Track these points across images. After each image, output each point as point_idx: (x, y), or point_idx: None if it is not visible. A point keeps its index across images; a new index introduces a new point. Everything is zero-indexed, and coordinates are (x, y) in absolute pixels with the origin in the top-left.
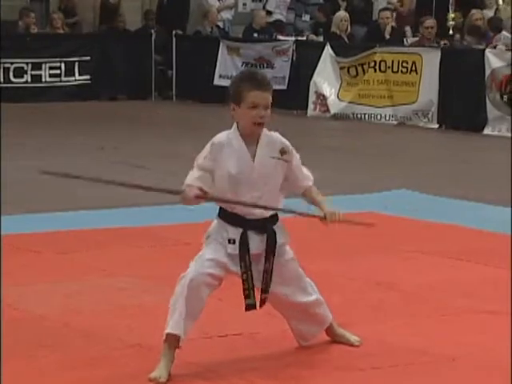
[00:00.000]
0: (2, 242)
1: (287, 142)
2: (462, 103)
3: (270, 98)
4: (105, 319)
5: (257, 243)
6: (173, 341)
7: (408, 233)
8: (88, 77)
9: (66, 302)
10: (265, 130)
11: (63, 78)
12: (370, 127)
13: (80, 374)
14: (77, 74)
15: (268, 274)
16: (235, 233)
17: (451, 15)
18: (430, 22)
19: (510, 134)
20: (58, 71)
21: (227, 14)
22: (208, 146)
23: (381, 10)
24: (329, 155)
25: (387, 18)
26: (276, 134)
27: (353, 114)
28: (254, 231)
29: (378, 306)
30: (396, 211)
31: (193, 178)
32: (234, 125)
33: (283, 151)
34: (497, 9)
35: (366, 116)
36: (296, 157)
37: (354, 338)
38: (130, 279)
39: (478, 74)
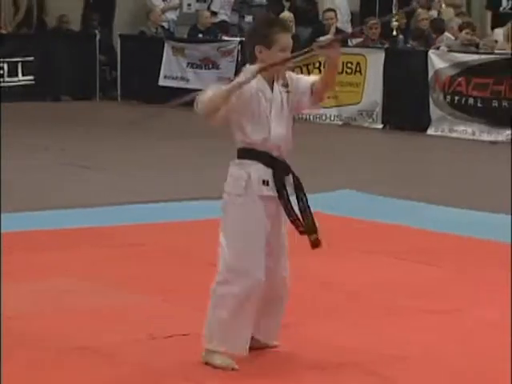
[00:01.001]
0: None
1: (289, 74)
2: (406, 104)
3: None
4: (52, 321)
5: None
6: None
7: (353, 233)
8: (31, 77)
9: (17, 305)
10: None
11: (6, 79)
12: (314, 128)
13: (24, 376)
14: (20, 74)
15: (308, 212)
16: (267, 173)
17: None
18: (374, 22)
19: (451, 135)
20: (0, 71)
21: (172, 15)
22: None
23: (325, 11)
24: None
25: (331, 18)
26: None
27: (298, 115)
28: (281, 171)
29: (324, 306)
30: (340, 211)
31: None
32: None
33: (285, 84)
34: (439, 10)
35: (311, 117)
36: (294, 79)
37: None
38: (79, 281)
39: (421, 75)
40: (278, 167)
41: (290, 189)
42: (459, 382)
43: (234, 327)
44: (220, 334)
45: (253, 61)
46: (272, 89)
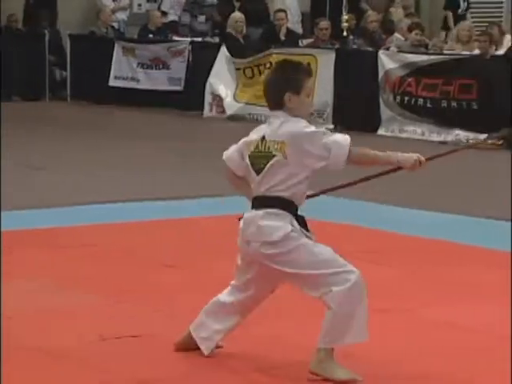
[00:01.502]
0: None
1: None
2: (357, 104)
3: None
4: (4, 321)
5: None
6: None
7: None
8: None
9: None
10: None
11: None
12: None
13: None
14: None
15: None
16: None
17: (345, 17)
18: (324, 23)
19: (401, 135)
20: None
21: (122, 15)
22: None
23: (276, 12)
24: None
25: (282, 19)
26: None
27: (249, 115)
28: None
29: (273, 305)
30: None
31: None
32: (286, 114)
33: None
34: (388, 11)
35: (263, 117)
36: None
37: None
38: (30, 281)
39: (371, 76)
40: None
41: None
42: (401, 381)
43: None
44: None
45: (280, 107)
46: None
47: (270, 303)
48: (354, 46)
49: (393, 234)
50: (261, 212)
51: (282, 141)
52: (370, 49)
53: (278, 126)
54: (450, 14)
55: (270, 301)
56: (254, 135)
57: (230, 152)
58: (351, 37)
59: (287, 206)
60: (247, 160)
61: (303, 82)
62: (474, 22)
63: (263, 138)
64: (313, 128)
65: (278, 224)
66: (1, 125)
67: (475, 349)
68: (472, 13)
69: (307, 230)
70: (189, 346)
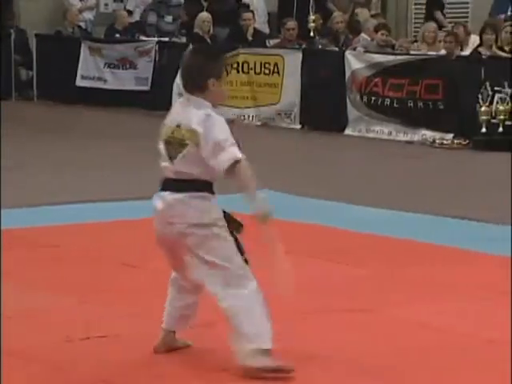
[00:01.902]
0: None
1: None
2: (324, 104)
3: None
4: None
5: None
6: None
7: None
8: None
9: None
10: None
11: None
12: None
13: None
14: None
15: None
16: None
17: (312, 17)
18: (291, 23)
19: (368, 135)
20: None
21: (89, 15)
22: (224, 123)
23: (243, 12)
24: None
25: (249, 19)
26: None
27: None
28: None
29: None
30: None
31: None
32: (206, 103)
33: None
34: (353, 11)
35: (230, 116)
36: None
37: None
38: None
39: (338, 76)
40: None
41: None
42: (368, 381)
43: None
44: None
45: (201, 92)
46: None
47: None
48: (320, 46)
49: (360, 233)
50: (187, 194)
51: (195, 131)
52: (337, 49)
53: (194, 115)
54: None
55: None
56: (169, 117)
57: None
58: (318, 37)
59: (209, 188)
60: (162, 145)
61: (223, 68)
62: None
63: (179, 125)
64: (224, 131)
65: (208, 207)
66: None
67: (441, 348)
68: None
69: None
70: (169, 348)
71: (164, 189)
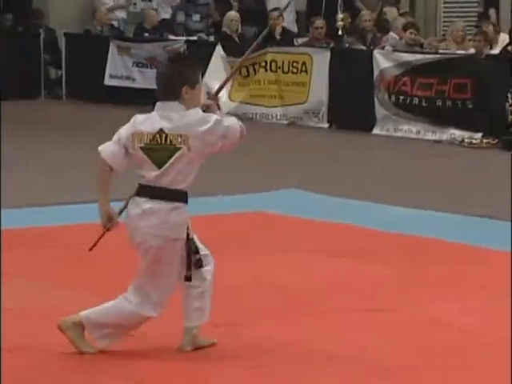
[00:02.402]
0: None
1: None
2: (352, 103)
3: None
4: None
5: None
6: None
7: (297, 232)
8: None
9: None
10: None
11: None
12: (261, 127)
13: None
14: None
15: None
16: None
17: (340, 16)
18: (319, 22)
19: (396, 134)
20: None
21: (122, 13)
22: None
23: (270, 11)
24: (220, 155)
25: (277, 18)
26: None
27: (244, 114)
28: None
29: (262, 305)
30: (285, 210)
31: None
32: (182, 106)
33: None
34: (381, 10)
35: (258, 116)
36: None
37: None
38: (19, 281)
39: (366, 75)
40: None
41: None
42: (389, 381)
43: None
44: None
45: (174, 99)
46: None
47: (259, 303)
48: (346, 45)
49: (386, 233)
50: (167, 205)
51: (185, 134)
52: (365, 48)
53: (178, 119)
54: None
55: (260, 300)
56: (141, 126)
57: (111, 149)
58: (345, 36)
59: (185, 198)
60: (140, 152)
61: (198, 76)
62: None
63: (161, 130)
64: (210, 118)
65: (183, 222)
66: (0, 124)
67: (464, 347)
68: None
69: None
70: (194, 346)
71: (145, 195)
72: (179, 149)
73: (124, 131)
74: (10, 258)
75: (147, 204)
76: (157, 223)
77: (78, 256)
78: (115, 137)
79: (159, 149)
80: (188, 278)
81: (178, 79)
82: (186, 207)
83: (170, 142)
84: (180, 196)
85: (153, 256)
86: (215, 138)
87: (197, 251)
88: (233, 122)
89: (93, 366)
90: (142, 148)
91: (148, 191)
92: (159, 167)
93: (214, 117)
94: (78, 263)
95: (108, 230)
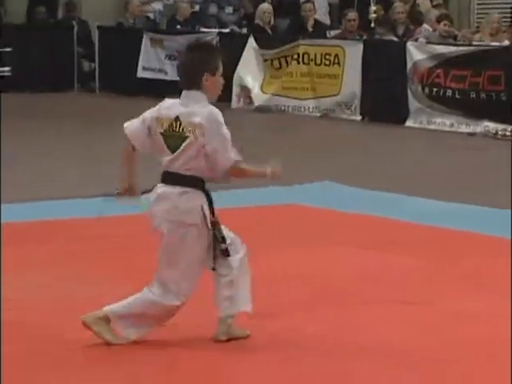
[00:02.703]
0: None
1: None
2: (385, 95)
3: None
4: (21, 314)
5: None
6: None
7: (330, 224)
8: (9, 68)
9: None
10: None
11: None
12: (293, 119)
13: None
14: None
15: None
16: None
17: (373, 8)
18: (352, 14)
19: (430, 127)
20: None
21: (158, 5)
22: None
23: (303, 3)
24: (252, 148)
25: (309, 10)
26: None
27: (276, 107)
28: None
29: (298, 297)
30: (318, 203)
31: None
32: (203, 96)
33: None
34: (415, 1)
35: (290, 108)
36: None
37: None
38: (60, 273)
39: (399, 67)
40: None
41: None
42: (417, 373)
43: None
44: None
45: (197, 88)
46: None
47: (295, 295)
48: (377, 36)
49: (420, 225)
50: (176, 190)
51: (194, 124)
52: (395, 39)
53: (193, 108)
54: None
55: (295, 293)
56: (164, 111)
57: (135, 128)
58: (377, 28)
59: (199, 184)
60: (160, 137)
61: (219, 63)
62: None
63: (177, 117)
64: (218, 120)
65: (194, 207)
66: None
67: (492, 341)
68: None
69: (213, 211)
70: (228, 336)
71: (162, 181)
72: (188, 137)
73: (149, 114)
74: (45, 251)
75: (161, 189)
76: (168, 208)
77: (114, 248)
78: (141, 116)
79: (174, 135)
80: (213, 268)
81: (198, 67)
82: (198, 193)
83: (183, 129)
84: (193, 182)
85: (166, 242)
86: (210, 139)
87: (223, 240)
88: (231, 152)
89: (121, 356)
90: (161, 134)
91: (164, 176)
92: (172, 152)
93: (221, 124)
94: (114, 255)
95: (120, 194)
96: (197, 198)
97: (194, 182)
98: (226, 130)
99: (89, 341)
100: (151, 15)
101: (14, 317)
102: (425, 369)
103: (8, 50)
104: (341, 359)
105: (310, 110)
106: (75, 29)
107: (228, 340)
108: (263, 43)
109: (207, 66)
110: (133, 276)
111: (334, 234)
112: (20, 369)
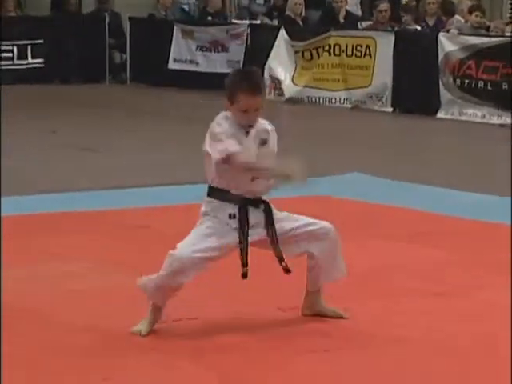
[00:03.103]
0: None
1: (269, 132)
2: (416, 87)
3: (261, 101)
4: (57, 304)
5: (255, 215)
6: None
7: (361, 216)
8: (41, 60)
9: (17, 287)
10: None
11: (16, 62)
12: (324, 111)
13: (36, 358)
14: (29, 57)
15: (274, 242)
16: (234, 208)
17: None
18: (383, 5)
19: (461, 118)
20: (10, 54)
21: None
22: (224, 121)
23: None
24: (283, 139)
25: (341, 1)
26: (263, 124)
27: (307, 98)
28: (251, 206)
29: (329, 288)
30: (349, 194)
31: (235, 145)
32: (228, 115)
33: (263, 142)
34: None
35: (321, 100)
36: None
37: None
38: (83, 264)
39: (431, 58)
40: (248, 203)
41: (259, 216)
42: (454, 365)
43: None
44: None
45: (225, 108)
46: (247, 134)
47: (324, 286)
48: (404, 25)
49: (449, 216)
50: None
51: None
52: (419, 28)
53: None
54: None
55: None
56: None
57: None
58: (404, 17)
59: (209, 191)
60: None
61: (237, 95)
62: None
63: None
64: (214, 125)
65: (203, 211)
66: (0, 110)
67: None
68: None
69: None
70: (315, 312)
71: None
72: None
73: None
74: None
75: None
76: None
77: (154, 238)
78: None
79: None
80: (287, 271)
81: (226, 88)
82: (205, 199)
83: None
84: (210, 191)
85: None
86: (207, 143)
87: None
88: (225, 145)
89: (162, 348)
90: None
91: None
92: None
93: (214, 126)
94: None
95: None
96: (203, 204)
97: (208, 190)
98: (215, 127)
99: (122, 330)
100: (186, 7)
101: (46, 304)
102: (461, 359)
103: (40, 41)
104: (377, 351)
105: (341, 101)
106: (107, 20)
107: (314, 315)
108: (294, 35)
109: (228, 93)
110: None
111: (367, 226)
112: (58, 356)
